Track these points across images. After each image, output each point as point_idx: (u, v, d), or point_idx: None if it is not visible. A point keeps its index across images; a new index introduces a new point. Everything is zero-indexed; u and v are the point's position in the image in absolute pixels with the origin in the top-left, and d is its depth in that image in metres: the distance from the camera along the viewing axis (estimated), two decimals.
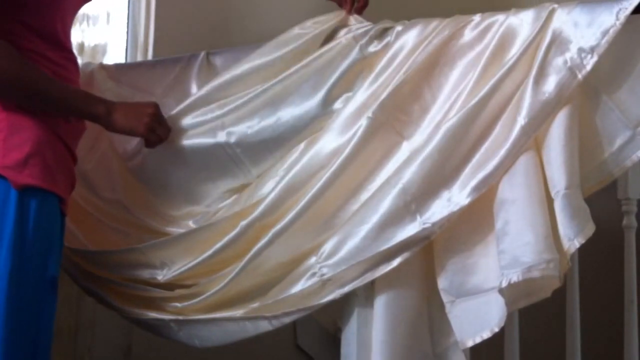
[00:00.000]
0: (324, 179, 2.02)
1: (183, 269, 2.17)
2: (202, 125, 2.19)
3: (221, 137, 2.18)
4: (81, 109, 2.08)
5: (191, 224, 2.22)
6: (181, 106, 2.22)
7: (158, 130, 2.15)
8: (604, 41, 1.87)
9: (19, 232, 1.93)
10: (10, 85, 1.96)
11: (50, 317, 1.99)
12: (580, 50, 1.89)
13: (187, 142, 2.20)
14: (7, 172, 1.93)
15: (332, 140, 2.07)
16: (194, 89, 2.30)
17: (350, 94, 2.10)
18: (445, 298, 1.94)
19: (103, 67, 2.44)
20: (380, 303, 2.00)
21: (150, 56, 2.94)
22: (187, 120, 2.20)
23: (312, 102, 2.12)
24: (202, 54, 2.35)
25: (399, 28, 2.10)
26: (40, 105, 2.01)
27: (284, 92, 2.13)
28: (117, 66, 2.53)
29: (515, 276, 1.80)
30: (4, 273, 1.91)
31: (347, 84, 2.10)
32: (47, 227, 1.98)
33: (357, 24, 2.16)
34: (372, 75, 2.08)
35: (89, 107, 2.08)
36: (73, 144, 2.10)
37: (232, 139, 2.17)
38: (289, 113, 2.13)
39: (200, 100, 2.21)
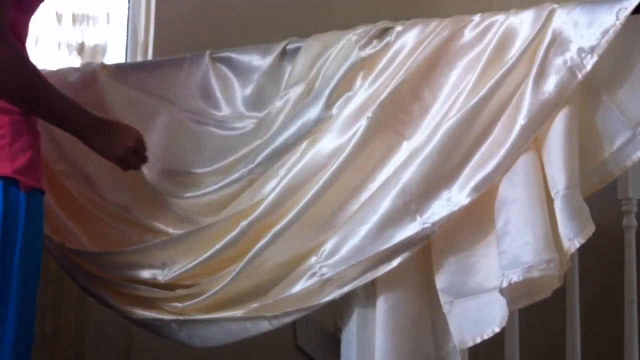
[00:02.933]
0: (324, 179, 2.02)
1: (184, 269, 2.17)
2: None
3: None
4: (68, 124, 2.10)
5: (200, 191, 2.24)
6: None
7: (132, 161, 2.15)
8: (604, 41, 1.87)
9: (27, 233, 1.98)
10: (19, 92, 1.99)
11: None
12: (580, 50, 1.89)
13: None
14: (18, 176, 1.97)
15: (332, 140, 2.07)
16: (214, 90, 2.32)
17: (350, 93, 2.10)
18: (443, 299, 1.94)
19: (105, 67, 2.44)
20: (382, 307, 1.99)
21: (150, 56, 2.95)
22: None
23: (315, 106, 2.12)
24: (207, 53, 2.35)
25: (399, 28, 2.09)
26: (35, 112, 2.04)
27: (298, 108, 2.15)
28: (118, 66, 2.53)
29: (515, 276, 1.80)
30: (17, 274, 1.95)
31: (347, 84, 2.10)
32: (41, 225, 2.05)
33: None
34: (372, 75, 2.08)
35: (76, 124, 2.09)
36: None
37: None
38: (297, 122, 2.14)
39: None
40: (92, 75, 2.39)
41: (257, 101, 2.24)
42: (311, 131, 2.12)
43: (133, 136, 2.14)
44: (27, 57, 2.00)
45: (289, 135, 2.14)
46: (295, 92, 2.17)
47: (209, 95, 2.30)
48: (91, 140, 2.09)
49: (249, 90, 2.26)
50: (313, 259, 2.03)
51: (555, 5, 1.95)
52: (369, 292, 2.04)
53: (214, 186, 2.22)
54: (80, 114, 2.09)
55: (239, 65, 2.30)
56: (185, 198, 2.25)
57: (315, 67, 2.15)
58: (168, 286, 2.20)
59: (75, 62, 2.84)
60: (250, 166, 2.18)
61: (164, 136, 2.31)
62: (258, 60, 2.27)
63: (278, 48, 2.25)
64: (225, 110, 2.28)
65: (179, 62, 2.37)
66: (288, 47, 2.24)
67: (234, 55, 2.32)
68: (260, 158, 2.16)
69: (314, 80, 2.15)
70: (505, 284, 1.80)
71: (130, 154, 2.13)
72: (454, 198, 1.93)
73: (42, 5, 2.12)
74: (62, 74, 2.41)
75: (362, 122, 2.03)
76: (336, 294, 2.02)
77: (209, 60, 2.32)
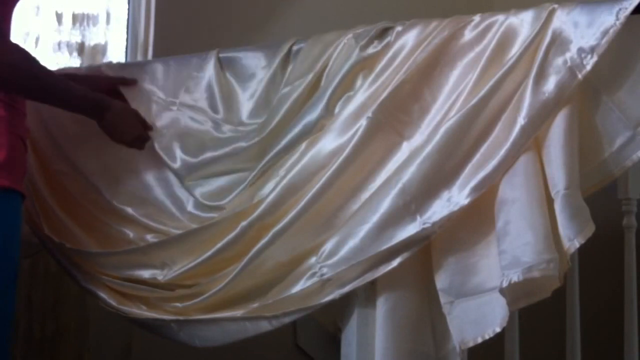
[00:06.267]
0: (324, 179, 2.02)
1: (184, 269, 2.17)
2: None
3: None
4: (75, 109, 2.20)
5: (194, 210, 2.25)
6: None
7: (138, 146, 2.26)
8: (604, 41, 1.87)
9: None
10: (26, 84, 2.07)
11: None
12: (580, 50, 1.89)
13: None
14: None
15: (333, 140, 2.07)
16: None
17: (351, 93, 2.10)
18: (443, 299, 1.94)
19: (109, 66, 2.45)
20: (382, 307, 1.99)
21: (150, 56, 2.95)
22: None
23: (316, 107, 2.12)
24: (214, 53, 2.35)
25: (399, 28, 2.10)
26: (43, 101, 2.16)
27: (299, 109, 2.15)
28: (121, 65, 2.53)
29: (515, 276, 1.80)
30: None
31: (348, 84, 2.10)
32: (14, 229, 2.08)
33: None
34: (373, 75, 2.08)
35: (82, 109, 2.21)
36: (26, 139, 2.16)
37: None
38: (298, 123, 2.14)
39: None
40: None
41: (259, 107, 2.25)
42: (311, 131, 2.12)
43: (137, 126, 2.24)
44: (30, 54, 2.04)
45: (292, 136, 2.14)
46: (294, 92, 2.17)
47: (213, 99, 2.30)
48: (100, 123, 2.20)
49: (254, 98, 2.26)
50: (313, 259, 2.03)
51: (555, 5, 1.95)
52: (369, 292, 2.04)
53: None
54: (85, 98, 2.18)
55: (245, 72, 2.29)
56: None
57: (316, 68, 2.15)
58: (168, 286, 2.20)
59: (75, 62, 2.85)
60: (254, 172, 2.18)
61: (167, 135, 2.31)
62: (264, 66, 2.26)
63: (284, 49, 2.24)
64: (227, 115, 2.27)
65: (185, 62, 2.37)
66: (294, 47, 2.24)
67: (240, 56, 2.31)
68: (265, 159, 2.16)
69: (316, 81, 2.15)
70: (505, 284, 1.80)
71: (137, 141, 2.25)
72: (454, 198, 1.93)
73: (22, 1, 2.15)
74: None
75: (362, 122, 2.03)
76: (336, 294, 2.02)
77: (215, 62, 2.32)
